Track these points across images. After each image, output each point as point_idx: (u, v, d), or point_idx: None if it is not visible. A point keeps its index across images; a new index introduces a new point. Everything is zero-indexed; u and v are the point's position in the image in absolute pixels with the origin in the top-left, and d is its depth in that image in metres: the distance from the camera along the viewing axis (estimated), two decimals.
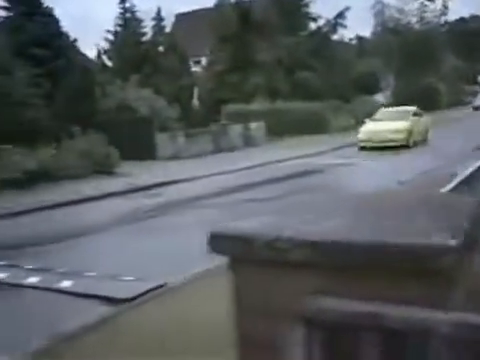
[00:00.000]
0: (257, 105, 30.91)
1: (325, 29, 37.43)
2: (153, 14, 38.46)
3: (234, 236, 1.97)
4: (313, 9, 37.71)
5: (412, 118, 23.43)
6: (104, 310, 6.03)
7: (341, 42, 39.38)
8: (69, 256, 8.83)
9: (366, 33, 56.31)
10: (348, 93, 34.82)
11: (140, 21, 37.30)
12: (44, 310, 6.35)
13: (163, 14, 39.60)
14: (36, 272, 7.55)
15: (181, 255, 8.22)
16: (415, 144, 22.44)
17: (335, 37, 38.19)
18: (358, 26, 73.99)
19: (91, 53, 36.10)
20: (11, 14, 26.58)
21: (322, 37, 36.56)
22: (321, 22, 37.70)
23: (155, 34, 38.04)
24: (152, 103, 24.24)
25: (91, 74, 24.84)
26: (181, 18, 49.99)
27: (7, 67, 19.12)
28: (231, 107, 30.44)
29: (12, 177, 15.55)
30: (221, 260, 6.18)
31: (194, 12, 49.67)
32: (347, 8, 36.99)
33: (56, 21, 26.61)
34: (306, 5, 37.57)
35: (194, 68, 39.04)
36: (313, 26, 38.02)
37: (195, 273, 6.94)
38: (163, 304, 5.93)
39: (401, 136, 22.05)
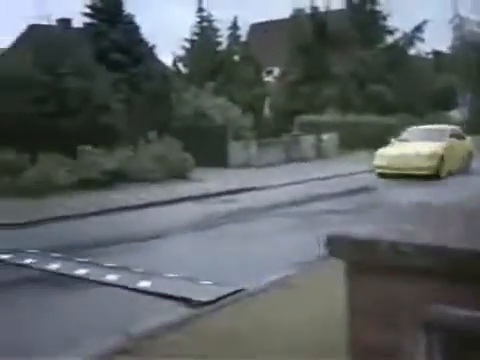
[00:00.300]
0: (329, 117, 30.78)
1: (402, 42, 36.90)
2: (229, 23, 38.87)
3: (355, 240, 1.97)
4: (390, 22, 37.27)
5: (449, 140, 18.85)
6: (184, 311, 6.14)
7: (417, 56, 38.72)
8: (145, 257, 9.00)
9: (442, 47, 55.11)
10: (423, 108, 34.17)
11: (216, 30, 37.83)
12: (124, 308, 6.51)
13: (239, 24, 39.88)
14: (116, 270, 7.75)
15: (257, 262, 8.28)
16: (450, 174, 17.96)
17: (412, 51, 37.60)
18: (434, 40, 72.38)
19: (167, 60, 36.69)
20: (95, 21, 27.47)
21: (398, 51, 36.05)
22: (398, 35, 37.20)
23: (230, 43, 38.45)
24: (226, 111, 24.50)
25: (168, 81, 25.35)
26: (256, 28, 50.33)
27: (90, 71, 19.73)
28: (303, 118, 30.41)
29: (91, 177, 16.06)
30: (297, 269, 6.21)
31: (269, 22, 49.90)
32: (425, 21, 36.40)
33: (136, 28, 27.32)
34: (384, 18, 37.17)
35: (267, 78, 39.22)
36: (390, 39, 37.55)
37: (273, 280, 6.98)
38: (242, 308, 5.99)
39: (429, 163, 17.39)
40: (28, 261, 8.39)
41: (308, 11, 37.52)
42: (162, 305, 6.45)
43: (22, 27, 34.36)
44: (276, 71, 40.73)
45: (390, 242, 1.90)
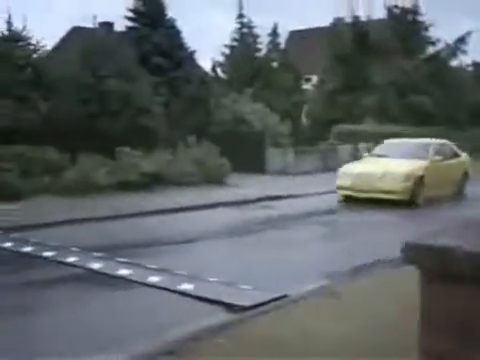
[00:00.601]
0: (367, 126, 30.57)
1: (444, 54, 36.47)
2: (269, 30, 38.95)
3: (432, 248, 1.95)
4: (432, 33, 36.88)
5: (434, 158, 15.44)
6: (225, 316, 6.15)
7: (458, 67, 38.22)
8: (185, 260, 9.04)
9: None
10: (463, 121, 33.71)
11: (256, 37, 37.92)
12: (166, 309, 6.55)
13: (279, 30, 39.93)
14: (157, 272, 7.81)
15: (295, 269, 8.27)
16: (432, 200, 14.55)
17: (454, 62, 37.14)
18: (475, 52, 71.42)
19: (206, 65, 36.97)
20: (137, 25, 27.78)
21: (440, 62, 35.64)
22: (440, 46, 36.79)
23: (269, 50, 38.50)
24: (265, 118, 24.54)
25: (207, 86, 25.50)
26: (295, 35, 50.35)
27: (131, 74, 19.96)
28: (341, 127, 30.27)
29: (130, 179, 16.22)
30: (336, 277, 6.16)
31: (308, 30, 49.88)
32: (469, 33, 35.89)
33: (178, 33, 27.54)
34: (426, 28, 36.80)
35: (305, 86, 39.16)
36: (431, 50, 37.15)
37: (313, 287, 6.96)
38: (284, 315, 5.98)
39: (402, 186, 14.19)
40: (71, 259, 8.51)
41: (348, 20, 37.33)
42: (204, 308, 6.47)
43: (65, 29, 34.93)
44: (314, 79, 40.64)
45: (467, 252, 1.88)
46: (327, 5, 69.01)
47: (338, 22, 38.78)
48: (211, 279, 7.45)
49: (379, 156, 16.10)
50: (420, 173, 14.68)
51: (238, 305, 6.40)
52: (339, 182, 15.22)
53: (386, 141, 17.30)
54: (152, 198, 15.19)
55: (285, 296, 6.65)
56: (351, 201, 14.78)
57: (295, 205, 15.12)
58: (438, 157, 15.57)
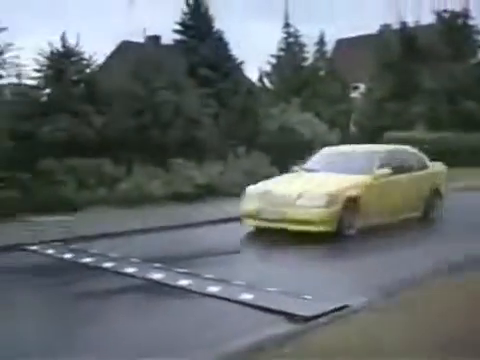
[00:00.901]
0: (417, 133, 30.15)
1: None
2: (315, 39, 38.91)
3: None
4: None
5: (377, 173, 11.67)
6: (288, 326, 6.15)
7: None
8: (240, 269, 9.08)
9: None
10: None
11: (302, 46, 37.92)
12: (228, 319, 6.58)
13: (325, 39, 39.85)
14: (215, 282, 7.85)
15: (352, 277, 8.20)
16: (369, 232, 10.96)
17: None
18: None
19: (252, 75, 37.07)
20: (184, 37, 28.15)
21: None
22: None
23: (316, 59, 38.44)
24: (313, 127, 24.47)
25: (255, 96, 25.60)
26: (342, 43, 50.12)
27: (181, 86, 20.23)
28: (391, 134, 29.91)
29: (184, 190, 16.39)
30: (399, 286, 5.98)
31: (355, 38, 49.57)
32: None
33: (225, 44, 27.78)
34: (477, 32, 36.14)
35: (352, 94, 38.92)
36: None
37: (375, 297, 6.91)
38: (349, 324, 5.95)
39: (321, 213, 10.44)
40: (131, 270, 8.64)
41: (396, 26, 36.99)
42: (265, 318, 6.48)
43: (112, 44, 35.62)
44: (362, 87, 40.35)
45: None
46: (375, 12, 68.44)
47: (385, 29, 38.49)
48: (271, 289, 7.45)
49: (309, 170, 12.34)
50: (353, 193, 10.78)
51: (300, 315, 6.39)
52: (244, 206, 11.53)
53: (323, 150, 13.44)
54: (204, 209, 15.30)
55: (347, 306, 6.61)
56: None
57: None
58: (386, 170, 11.65)
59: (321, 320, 6.15)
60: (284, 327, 6.06)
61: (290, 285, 7.63)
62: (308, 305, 6.77)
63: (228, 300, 7.11)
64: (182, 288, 7.71)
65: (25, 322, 6.49)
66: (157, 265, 8.86)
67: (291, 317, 6.38)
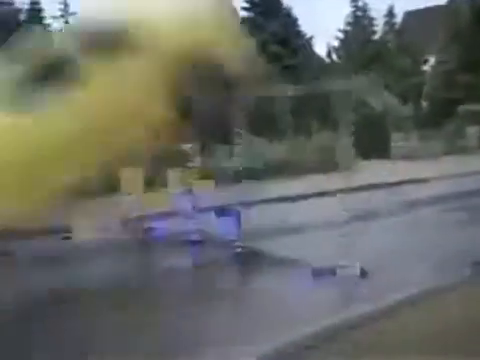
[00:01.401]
0: None
1: None
2: (384, 12, 37.95)
3: None
4: None
5: None
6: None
7: None
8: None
9: None
10: None
11: (371, 19, 37.05)
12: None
13: (395, 11, 38.83)
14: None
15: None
16: None
17: None
18: None
19: (320, 51, 36.62)
20: (252, 14, 28.02)
21: None
22: None
23: (386, 32, 37.51)
24: (386, 101, 23.95)
25: (326, 71, 25.25)
26: (410, 16, 48.66)
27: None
28: (465, 107, 28.95)
29: (255, 166, 16.27)
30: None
31: (424, 10, 48.04)
32: None
33: (294, 20, 27.51)
34: None
35: (423, 67, 37.83)
36: None
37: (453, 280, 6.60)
38: (423, 308, 5.70)
39: None
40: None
41: None
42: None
43: None
44: (432, 60, 39.17)
45: None
46: None
47: None
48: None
49: None
50: None
51: None
52: None
53: None
54: (279, 185, 15.20)
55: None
56: None
57: (428, 190, 14.63)
58: None
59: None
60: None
61: None
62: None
63: None
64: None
65: None
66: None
67: None
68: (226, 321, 5.75)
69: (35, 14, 25.48)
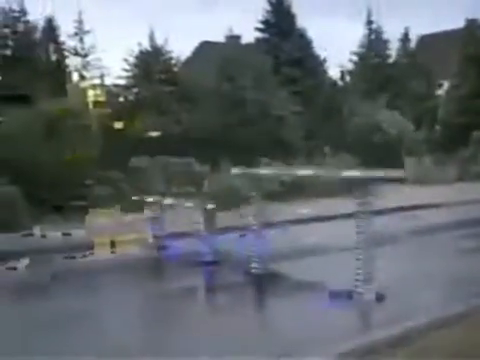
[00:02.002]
0: None
1: None
2: (399, 35, 37.95)
3: None
4: None
5: None
6: None
7: None
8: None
9: None
10: None
11: (386, 42, 37.05)
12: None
13: (410, 36, 38.82)
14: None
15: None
16: None
17: None
18: None
19: (333, 73, 36.62)
20: (267, 36, 28.10)
21: None
22: None
23: (400, 56, 37.50)
24: (400, 125, 23.88)
25: (339, 94, 25.24)
26: (425, 40, 48.74)
27: (265, 85, 20.14)
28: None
29: (271, 189, 16.19)
30: None
31: (439, 34, 48.11)
32: None
33: (308, 42, 27.54)
34: None
35: (438, 91, 37.72)
36: None
37: None
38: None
39: None
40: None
41: None
42: None
43: (192, 44, 36.04)
44: (446, 84, 39.09)
45: None
46: (460, 7, 66.42)
47: (471, 24, 37.11)
48: None
49: None
50: None
51: None
52: None
53: None
54: (294, 208, 15.13)
55: None
56: None
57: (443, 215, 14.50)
58: None
59: None
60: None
61: None
62: None
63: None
64: None
65: None
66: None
67: None
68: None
69: (50, 32, 25.70)
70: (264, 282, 8.17)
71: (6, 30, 24.49)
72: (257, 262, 8.47)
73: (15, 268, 9.23)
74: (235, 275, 8.57)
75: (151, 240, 10.82)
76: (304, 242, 11.06)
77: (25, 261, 9.48)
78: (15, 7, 25.08)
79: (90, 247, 10.71)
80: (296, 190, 16.92)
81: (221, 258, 9.23)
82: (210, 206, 9.76)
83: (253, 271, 8.41)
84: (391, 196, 17.48)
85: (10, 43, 24.33)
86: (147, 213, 11.15)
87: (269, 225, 12.15)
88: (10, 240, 11.12)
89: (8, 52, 24.00)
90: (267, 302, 7.73)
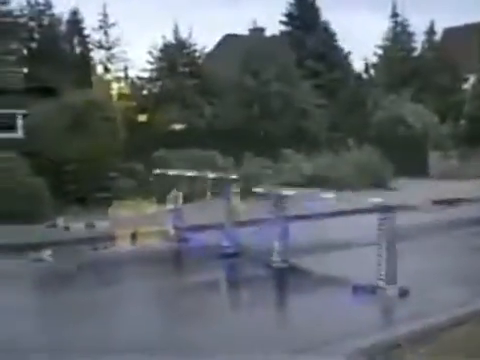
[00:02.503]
0: None
1: None
2: (424, 28, 37.47)
3: None
4: None
5: None
6: None
7: None
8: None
9: None
10: None
11: (411, 35, 36.63)
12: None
13: (435, 28, 38.31)
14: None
15: None
16: None
17: None
18: None
19: (357, 66, 36.30)
20: (291, 29, 28.01)
21: None
22: None
23: (425, 49, 37.05)
24: (424, 119, 23.62)
25: (364, 87, 25.05)
26: (451, 32, 48.09)
27: (290, 77, 20.07)
28: None
29: (291, 181, 16.17)
30: None
31: (464, 27, 47.40)
32: None
33: (332, 35, 27.38)
34: None
35: (464, 85, 37.18)
36: None
37: None
38: None
39: None
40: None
41: None
42: None
43: (215, 37, 35.98)
44: (472, 79, 38.54)
45: None
46: None
47: None
48: None
49: None
50: None
51: None
52: None
53: None
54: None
55: None
56: None
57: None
58: None
59: None
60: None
61: None
62: None
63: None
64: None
65: None
66: None
67: None
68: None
69: (75, 25, 25.88)
70: (285, 276, 8.15)
71: (32, 23, 24.73)
72: (278, 255, 8.46)
73: (41, 259, 9.34)
74: (256, 268, 8.53)
75: (172, 232, 10.87)
76: (328, 236, 11.00)
77: (48, 252, 9.58)
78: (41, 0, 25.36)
79: (112, 239, 10.83)
80: (318, 182, 16.80)
81: (242, 251, 9.21)
82: (232, 198, 9.76)
83: (274, 265, 8.39)
84: (415, 190, 17.38)
85: (36, 36, 24.56)
86: (169, 205, 11.22)
87: (290, 217, 12.15)
88: (34, 231, 11.23)
89: (34, 45, 24.24)
90: (287, 297, 7.70)
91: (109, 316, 6.41)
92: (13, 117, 18.30)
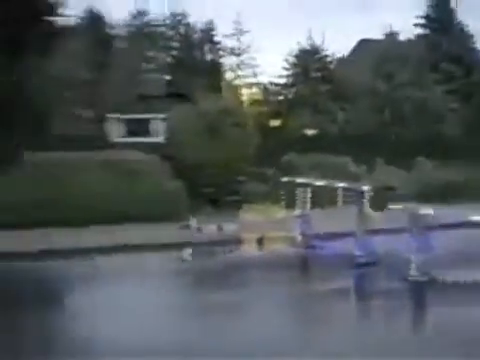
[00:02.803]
0: None
1: None
2: None
3: None
4: None
5: None
6: None
7: None
8: None
9: None
10: None
11: None
12: None
13: None
14: None
15: None
16: None
17: None
18: None
19: None
20: (427, 31, 27.01)
21: None
22: None
23: None
24: None
25: None
26: None
27: (424, 82, 19.44)
28: None
29: (423, 191, 15.57)
30: None
31: None
32: None
33: (469, 36, 26.08)
34: None
35: None
36: None
37: None
38: None
39: None
40: None
41: None
42: None
43: (350, 41, 35.56)
44: None
45: None
46: None
47: None
48: None
49: None
50: None
51: None
52: None
53: None
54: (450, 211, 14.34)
55: None
56: None
57: None
58: None
59: None
60: None
61: None
62: None
63: None
64: None
65: None
66: None
67: None
68: None
69: (207, 32, 26.55)
70: (424, 290, 7.81)
71: (172, 32, 25.81)
72: (416, 267, 8.12)
73: (183, 259, 9.85)
74: (391, 280, 8.23)
75: (299, 238, 10.83)
76: (466, 248, 10.45)
77: (189, 252, 10.06)
78: (179, 10, 26.38)
79: (240, 242, 11.06)
80: (455, 191, 16.07)
81: (375, 260, 8.97)
82: (364, 207, 9.58)
83: (411, 278, 8.06)
84: None
85: (174, 44, 25.60)
86: (297, 211, 11.19)
87: (427, 228, 11.70)
88: (169, 232, 11.68)
89: (173, 53, 25.27)
90: (427, 316, 7.30)
91: (248, 319, 6.54)
92: (147, 122, 19.25)
